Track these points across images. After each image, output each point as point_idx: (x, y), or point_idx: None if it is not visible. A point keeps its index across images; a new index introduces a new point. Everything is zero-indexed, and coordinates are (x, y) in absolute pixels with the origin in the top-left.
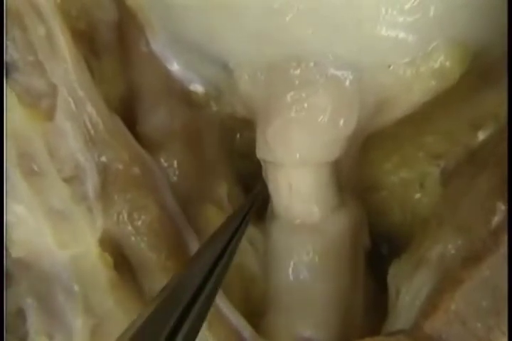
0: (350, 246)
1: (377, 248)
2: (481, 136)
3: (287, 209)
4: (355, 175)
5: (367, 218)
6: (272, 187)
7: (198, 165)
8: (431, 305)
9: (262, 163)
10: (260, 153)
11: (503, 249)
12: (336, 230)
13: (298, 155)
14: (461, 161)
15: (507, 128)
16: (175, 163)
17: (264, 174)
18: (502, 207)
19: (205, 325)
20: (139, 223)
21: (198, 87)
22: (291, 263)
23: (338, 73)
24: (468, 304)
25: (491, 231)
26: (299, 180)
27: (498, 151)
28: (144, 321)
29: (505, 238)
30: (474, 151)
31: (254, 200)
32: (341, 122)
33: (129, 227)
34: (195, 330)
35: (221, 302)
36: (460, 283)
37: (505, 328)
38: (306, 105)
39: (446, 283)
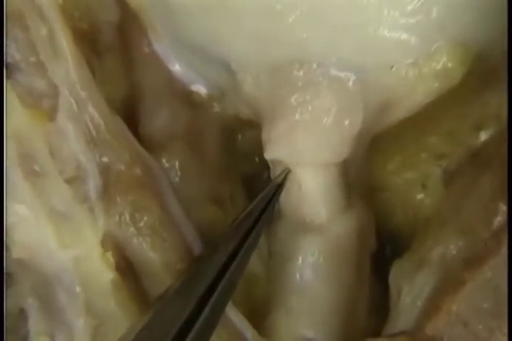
0: (356, 247)
1: (380, 248)
2: (483, 136)
3: (295, 210)
4: (362, 175)
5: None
6: None
7: (200, 166)
8: (432, 306)
9: (270, 164)
10: (268, 155)
11: (505, 250)
12: (343, 231)
13: (305, 157)
14: (463, 162)
15: (507, 129)
16: (177, 164)
17: (272, 175)
18: (504, 208)
19: None
20: (141, 224)
21: (200, 88)
22: (296, 264)
23: (341, 74)
24: (470, 305)
25: (492, 233)
26: (309, 181)
27: (501, 152)
28: (144, 325)
29: (506, 239)
30: (476, 152)
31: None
32: (346, 123)
33: (131, 228)
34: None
35: None
36: (462, 284)
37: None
38: (310, 107)
39: (448, 284)
